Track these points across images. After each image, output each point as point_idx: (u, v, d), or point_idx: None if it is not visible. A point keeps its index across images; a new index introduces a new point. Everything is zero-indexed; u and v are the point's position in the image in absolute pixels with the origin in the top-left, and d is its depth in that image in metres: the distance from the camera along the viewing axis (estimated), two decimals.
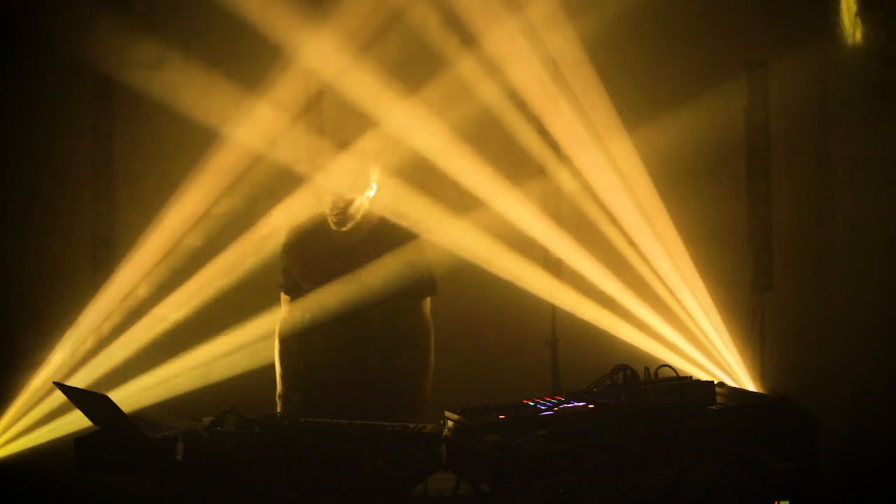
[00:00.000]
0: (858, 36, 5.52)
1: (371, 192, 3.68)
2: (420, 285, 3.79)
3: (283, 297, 3.88)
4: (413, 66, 5.35)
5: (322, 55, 5.37)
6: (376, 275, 3.69)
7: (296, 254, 3.81)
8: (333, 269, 3.69)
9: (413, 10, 5.30)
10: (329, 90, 5.51)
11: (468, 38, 5.33)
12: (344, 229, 3.68)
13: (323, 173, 3.64)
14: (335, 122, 5.52)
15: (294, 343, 3.82)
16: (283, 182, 5.57)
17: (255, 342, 5.50)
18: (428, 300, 3.83)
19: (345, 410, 3.29)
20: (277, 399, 3.89)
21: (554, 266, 5.57)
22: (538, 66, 5.60)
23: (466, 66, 5.36)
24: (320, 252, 3.75)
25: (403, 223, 3.83)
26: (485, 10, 5.31)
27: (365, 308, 3.68)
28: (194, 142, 5.55)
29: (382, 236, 3.74)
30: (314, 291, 3.72)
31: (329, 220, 3.69)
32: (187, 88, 5.65)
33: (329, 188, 3.63)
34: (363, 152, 3.67)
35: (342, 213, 3.64)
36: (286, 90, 5.48)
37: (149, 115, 5.67)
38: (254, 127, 5.48)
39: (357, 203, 3.65)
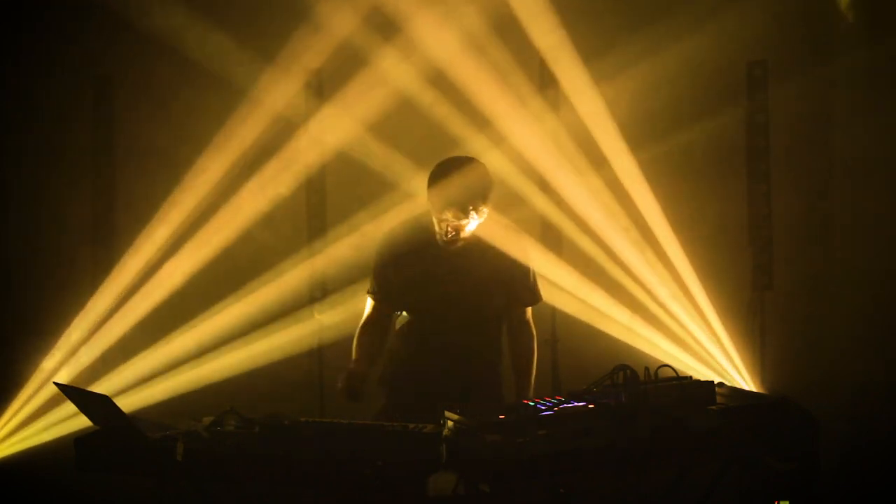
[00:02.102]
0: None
1: (482, 218, 3.53)
2: (526, 292, 3.71)
3: (371, 303, 3.71)
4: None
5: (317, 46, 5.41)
6: (484, 277, 3.60)
7: (395, 254, 3.65)
8: (438, 272, 3.59)
9: None
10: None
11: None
12: (452, 247, 3.56)
13: (440, 193, 3.47)
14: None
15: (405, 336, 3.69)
16: (280, 175, 5.61)
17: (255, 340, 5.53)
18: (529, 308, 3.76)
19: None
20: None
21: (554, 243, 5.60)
22: (536, 70, 5.63)
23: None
24: (422, 253, 3.61)
25: (508, 227, 3.69)
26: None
27: (476, 306, 3.61)
28: (194, 140, 5.57)
29: (487, 240, 3.60)
30: (422, 286, 3.60)
31: (438, 237, 3.55)
32: (186, 87, 5.68)
33: (442, 210, 3.47)
34: (480, 174, 3.53)
35: (455, 235, 3.51)
36: (284, 89, 5.50)
37: (148, 114, 5.69)
38: (251, 125, 5.50)
39: (469, 225, 3.52)
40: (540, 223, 5.65)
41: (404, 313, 3.69)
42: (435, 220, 3.54)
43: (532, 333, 3.76)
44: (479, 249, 3.59)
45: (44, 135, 5.86)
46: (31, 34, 5.70)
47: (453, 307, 3.60)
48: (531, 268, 3.71)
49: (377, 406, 3.67)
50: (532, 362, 3.74)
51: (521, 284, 3.69)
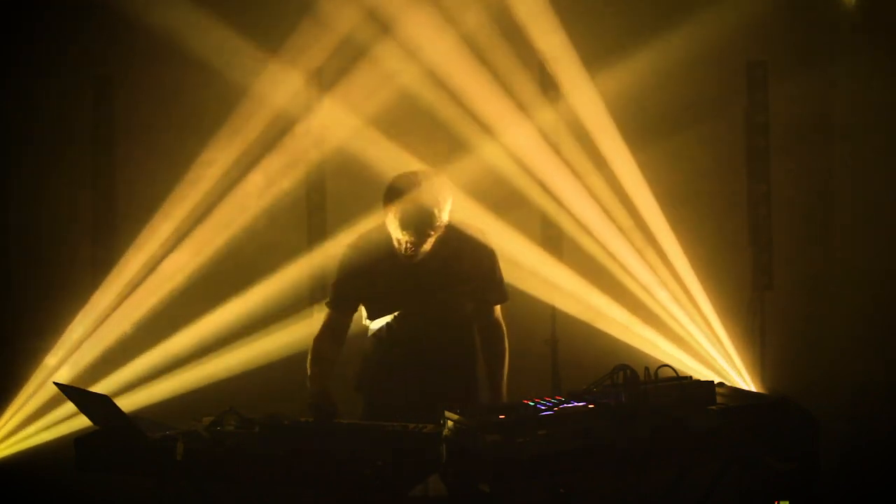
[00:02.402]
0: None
1: (440, 231, 3.53)
2: (493, 292, 3.74)
3: (329, 312, 3.72)
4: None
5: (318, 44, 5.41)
6: (448, 281, 3.61)
7: (359, 266, 3.66)
8: (406, 278, 3.59)
9: None
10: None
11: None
12: (414, 261, 3.57)
13: (397, 213, 3.46)
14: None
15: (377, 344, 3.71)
16: (281, 174, 5.61)
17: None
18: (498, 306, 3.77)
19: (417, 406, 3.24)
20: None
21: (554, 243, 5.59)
22: (536, 69, 5.63)
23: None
24: (387, 263, 3.62)
25: (468, 229, 3.69)
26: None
27: (445, 311, 3.64)
28: (194, 140, 5.56)
29: (450, 244, 3.61)
30: (390, 296, 3.62)
31: (398, 251, 3.56)
32: (186, 87, 5.67)
33: (399, 230, 3.47)
34: (436, 191, 3.49)
35: (414, 251, 3.53)
36: (286, 88, 5.49)
37: (149, 114, 5.69)
38: (252, 124, 5.50)
39: (428, 241, 3.53)
40: (540, 223, 5.65)
41: (372, 325, 3.70)
42: (393, 238, 3.54)
43: (503, 332, 3.78)
44: (444, 253, 3.59)
45: (44, 135, 5.85)
46: (31, 34, 5.69)
47: (424, 311, 3.61)
48: (497, 267, 3.73)
49: (356, 412, 3.68)
50: (504, 361, 3.76)
51: (488, 285, 3.71)
